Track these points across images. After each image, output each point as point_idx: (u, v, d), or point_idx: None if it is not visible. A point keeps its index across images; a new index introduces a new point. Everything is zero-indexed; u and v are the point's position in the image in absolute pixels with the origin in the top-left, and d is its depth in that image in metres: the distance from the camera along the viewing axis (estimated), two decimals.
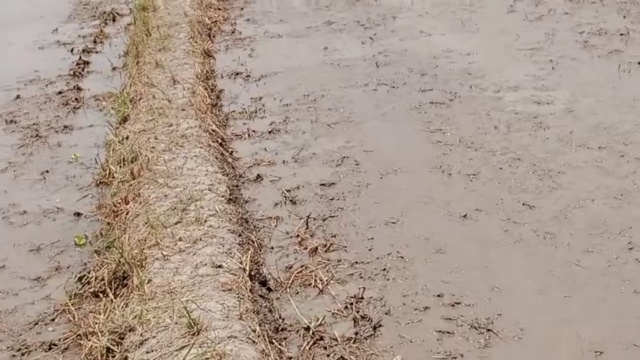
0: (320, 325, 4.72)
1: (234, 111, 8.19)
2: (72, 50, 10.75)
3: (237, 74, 9.33)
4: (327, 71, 9.23)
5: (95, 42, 11.10)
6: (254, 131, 7.64)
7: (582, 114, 7.40)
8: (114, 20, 12.27)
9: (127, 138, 7.19)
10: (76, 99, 8.92)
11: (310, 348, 4.54)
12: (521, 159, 6.57)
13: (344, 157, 6.93)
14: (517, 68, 8.70)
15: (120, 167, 6.75)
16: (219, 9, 12.30)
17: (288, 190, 6.43)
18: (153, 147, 6.80)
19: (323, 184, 6.49)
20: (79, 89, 9.28)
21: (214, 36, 10.88)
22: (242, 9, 12.35)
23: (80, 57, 10.33)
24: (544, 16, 10.43)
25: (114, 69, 9.82)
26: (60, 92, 9.18)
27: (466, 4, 11.33)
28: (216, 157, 6.71)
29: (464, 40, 9.80)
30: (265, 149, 7.25)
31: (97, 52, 10.66)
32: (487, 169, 6.46)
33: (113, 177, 6.68)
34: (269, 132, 7.61)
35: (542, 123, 7.23)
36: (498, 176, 6.34)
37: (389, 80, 8.69)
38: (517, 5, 11.03)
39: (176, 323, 4.35)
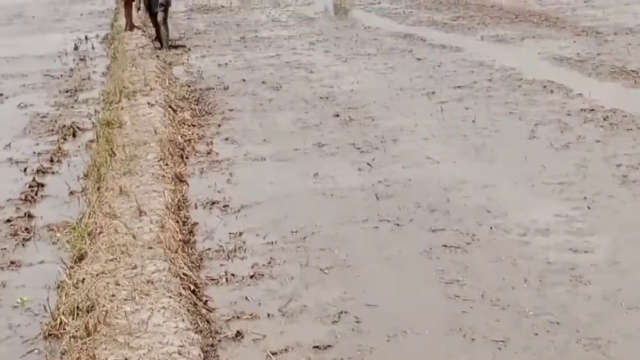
0: None
1: (209, 249, 7.61)
2: (25, 169, 10.24)
3: (214, 203, 8.78)
4: (318, 202, 8.69)
5: (51, 160, 10.60)
6: (232, 275, 7.05)
7: (629, 265, 6.81)
8: (74, 135, 11.79)
9: (82, 281, 6.60)
10: (26, 229, 8.37)
11: None
12: (560, 322, 5.96)
13: (342, 311, 6.32)
14: (546, 206, 8.17)
15: (73, 317, 6.14)
16: (194, 126, 11.84)
17: (274, 353, 5.81)
18: (113, 295, 6.20)
19: (317, 347, 5.87)
20: (30, 216, 8.74)
21: (187, 157, 10.37)
22: (219, 125, 11.88)
23: (34, 179, 9.82)
24: (571, 144, 9.96)
25: (71, 193, 9.29)
26: (8, 220, 8.64)
27: (479, 127, 10.87)
28: (188, 310, 6.08)
29: (479, 169, 9.31)
30: (246, 297, 6.65)
31: (53, 172, 10.15)
32: (519, 335, 5.84)
33: (64, 330, 6.04)
34: (251, 276, 7.03)
35: (582, 277, 6.63)
36: (533, 344, 5.72)
37: (392, 216, 8.13)
38: (539, 131, 10.57)
39: None
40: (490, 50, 16.23)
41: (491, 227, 7.73)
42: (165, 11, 17.99)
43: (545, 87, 12.92)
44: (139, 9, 18.28)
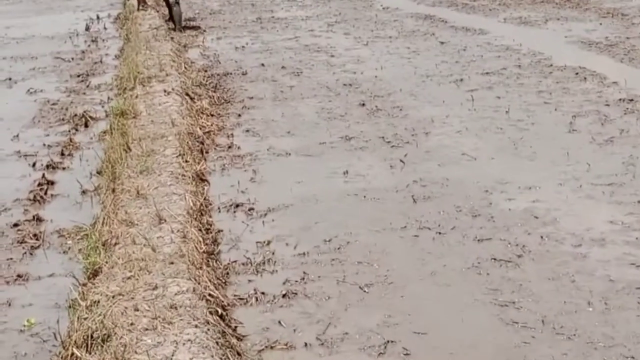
0: None
1: (235, 261, 6.84)
2: (34, 164, 9.47)
3: (238, 205, 8.01)
4: (350, 205, 7.91)
5: (62, 154, 9.82)
6: (263, 293, 6.28)
7: None
8: (86, 125, 11.00)
9: (97, 303, 5.78)
10: (35, 235, 7.59)
11: None
12: (636, 357, 5.16)
13: (388, 341, 5.56)
14: (597, 211, 7.39)
15: (87, 349, 5.37)
16: (212, 116, 11.03)
17: None
18: (132, 324, 5.42)
19: None
20: (39, 220, 7.98)
21: (207, 152, 9.57)
22: (239, 115, 11.06)
23: (43, 175, 9.04)
24: (615, 139, 9.14)
25: (83, 192, 8.54)
26: (16, 225, 7.86)
27: (514, 119, 10.05)
28: (217, 342, 5.29)
29: (521, 168, 8.51)
30: (279, 322, 5.88)
31: (64, 168, 9.38)
32: None
33: None
34: (283, 295, 6.25)
35: None
36: None
37: (432, 222, 7.34)
38: (578, 123, 9.74)
39: None
40: (515, 33, 15.37)
41: (542, 237, 6.95)
42: None
43: (577, 74, 12.07)
44: None
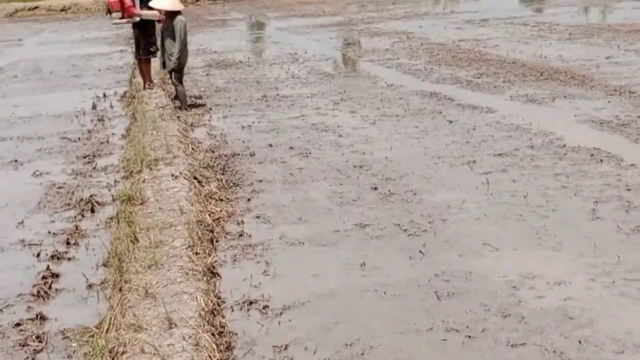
0: None
1: None
2: (38, 254, 8.86)
3: (251, 303, 7.35)
4: (370, 302, 7.25)
5: (68, 243, 9.21)
6: None
7: None
8: (92, 210, 10.36)
9: None
10: (38, 337, 6.93)
11: None
12: None
13: None
14: (635, 311, 6.74)
15: None
16: (221, 200, 10.38)
17: None
18: None
19: None
20: (43, 318, 7.33)
21: (217, 241, 8.90)
22: (249, 200, 10.41)
23: (48, 267, 8.41)
24: None
25: (89, 286, 7.87)
26: (18, 324, 7.23)
27: (533, 205, 9.40)
28: None
29: (547, 260, 7.85)
30: None
31: (69, 258, 8.75)
32: None
33: None
34: None
35: None
36: None
37: (459, 323, 6.67)
38: (600, 210, 9.09)
39: None
40: (523, 111, 14.75)
41: (579, 342, 6.27)
42: (180, 71, 16.55)
43: (592, 155, 11.44)
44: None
